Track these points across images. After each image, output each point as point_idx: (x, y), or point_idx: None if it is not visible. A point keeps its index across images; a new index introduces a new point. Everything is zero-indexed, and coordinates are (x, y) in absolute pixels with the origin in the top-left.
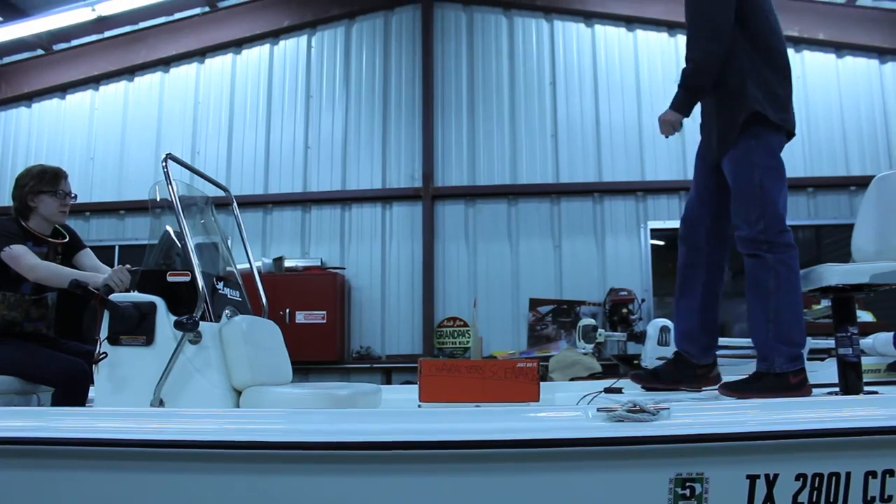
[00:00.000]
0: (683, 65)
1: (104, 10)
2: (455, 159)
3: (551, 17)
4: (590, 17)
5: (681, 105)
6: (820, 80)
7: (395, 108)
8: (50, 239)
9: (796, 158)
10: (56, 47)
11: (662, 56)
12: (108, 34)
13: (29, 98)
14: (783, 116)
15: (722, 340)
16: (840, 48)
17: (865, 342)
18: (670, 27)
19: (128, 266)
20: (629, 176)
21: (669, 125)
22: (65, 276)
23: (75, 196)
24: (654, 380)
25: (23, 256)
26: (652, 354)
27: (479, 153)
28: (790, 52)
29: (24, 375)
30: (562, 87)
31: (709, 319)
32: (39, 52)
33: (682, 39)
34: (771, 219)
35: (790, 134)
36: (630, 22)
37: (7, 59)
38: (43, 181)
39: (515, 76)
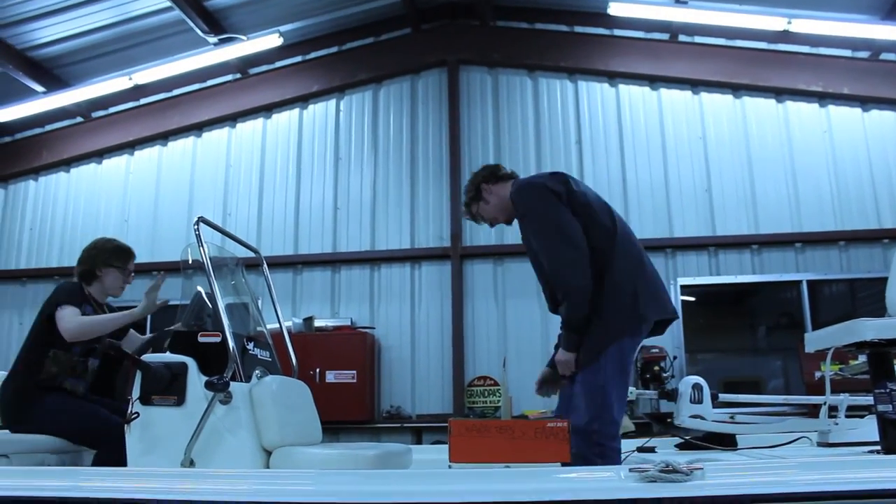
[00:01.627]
0: (705, 124)
1: (141, 78)
2: None
3: (575, 78)
4: (613, 76)
5: (571, 344)
6: (847, 133)
7: (423, 169)
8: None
9: (826, 213)
10: (94, 115)
11: (686, 113)
12: (143, 101)
13: (68, 163)
14: (643, 314)
15: (756, 398)
16: (865, 102)
17: None
18: (693, 85)
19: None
20: (657, 233)
21: (567, 366)
22: (100, 323)
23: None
24: None
25: (64, 318)
26: (685, 412)
27: None
28: (815, 106)
29: (66, 433)
30: (587, 146)
31: None
32: (79, 119)
33: (705, 96)
34: (606, 423)
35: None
36: (653, 81)
37: (49, 127)
38: (116, 256)
39: (541, 136)
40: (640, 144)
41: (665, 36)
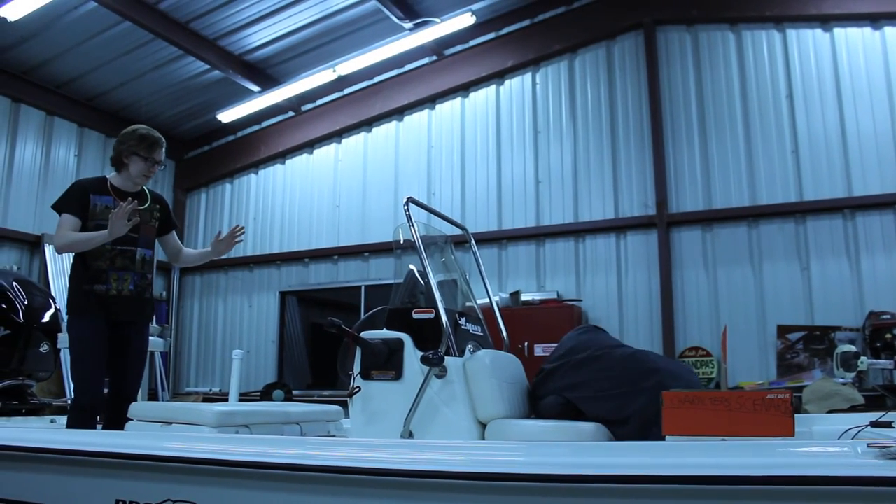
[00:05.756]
0: None
1: (343, 69)
2: (689, 184)
3: (783, 27)
4: (827, 20)
5: None
6: None
7: (624, 136)
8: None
9: None
10: (304, 108)
11: None
12: (347, 91)
13: (283, 156)
14: None
15: None
16: None
17: None
18: None
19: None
20: (885, 188)
21: None
22: (84, 241)
23: (164, 165)
24: None
25: (58, 231)
26: None
27: (713, 176)
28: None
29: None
30: (800, 98)
31: None
32: (290, 114)
33: None
34: None
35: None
36: (876, 19)
37: (265, 124)
38: (140, 144)
39: (748, 92)
40: (861, 93)
41: None
